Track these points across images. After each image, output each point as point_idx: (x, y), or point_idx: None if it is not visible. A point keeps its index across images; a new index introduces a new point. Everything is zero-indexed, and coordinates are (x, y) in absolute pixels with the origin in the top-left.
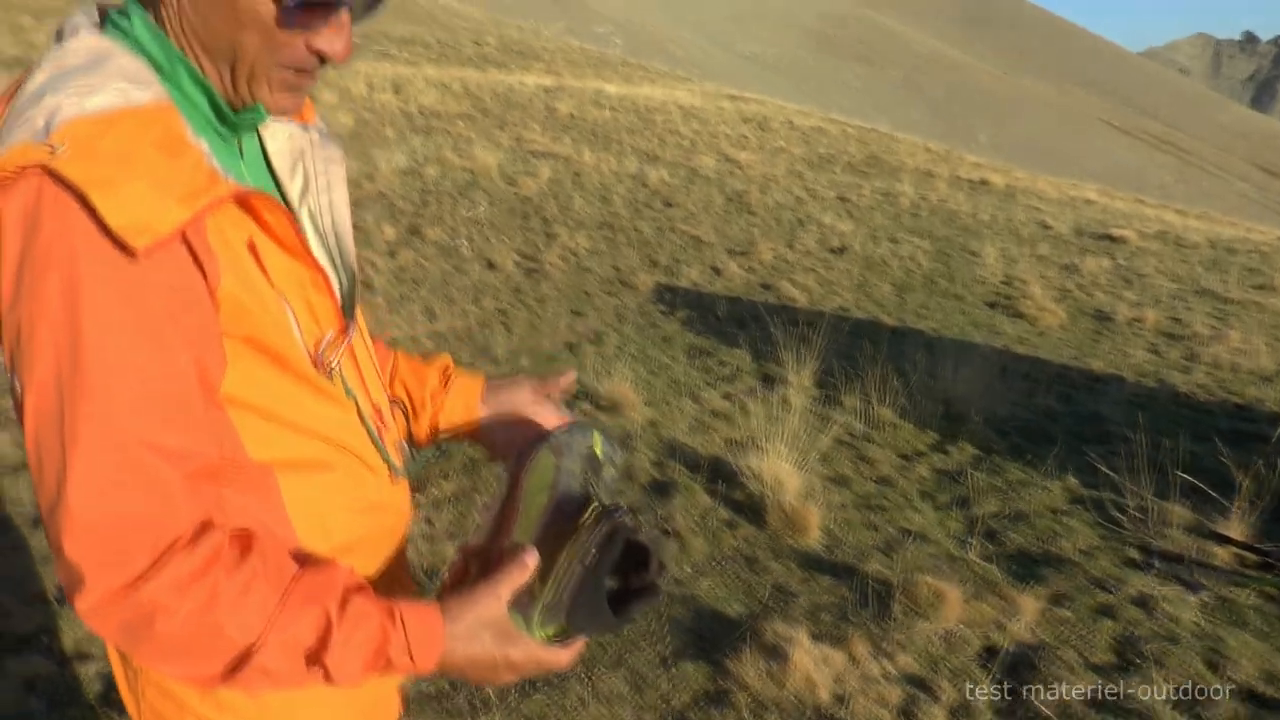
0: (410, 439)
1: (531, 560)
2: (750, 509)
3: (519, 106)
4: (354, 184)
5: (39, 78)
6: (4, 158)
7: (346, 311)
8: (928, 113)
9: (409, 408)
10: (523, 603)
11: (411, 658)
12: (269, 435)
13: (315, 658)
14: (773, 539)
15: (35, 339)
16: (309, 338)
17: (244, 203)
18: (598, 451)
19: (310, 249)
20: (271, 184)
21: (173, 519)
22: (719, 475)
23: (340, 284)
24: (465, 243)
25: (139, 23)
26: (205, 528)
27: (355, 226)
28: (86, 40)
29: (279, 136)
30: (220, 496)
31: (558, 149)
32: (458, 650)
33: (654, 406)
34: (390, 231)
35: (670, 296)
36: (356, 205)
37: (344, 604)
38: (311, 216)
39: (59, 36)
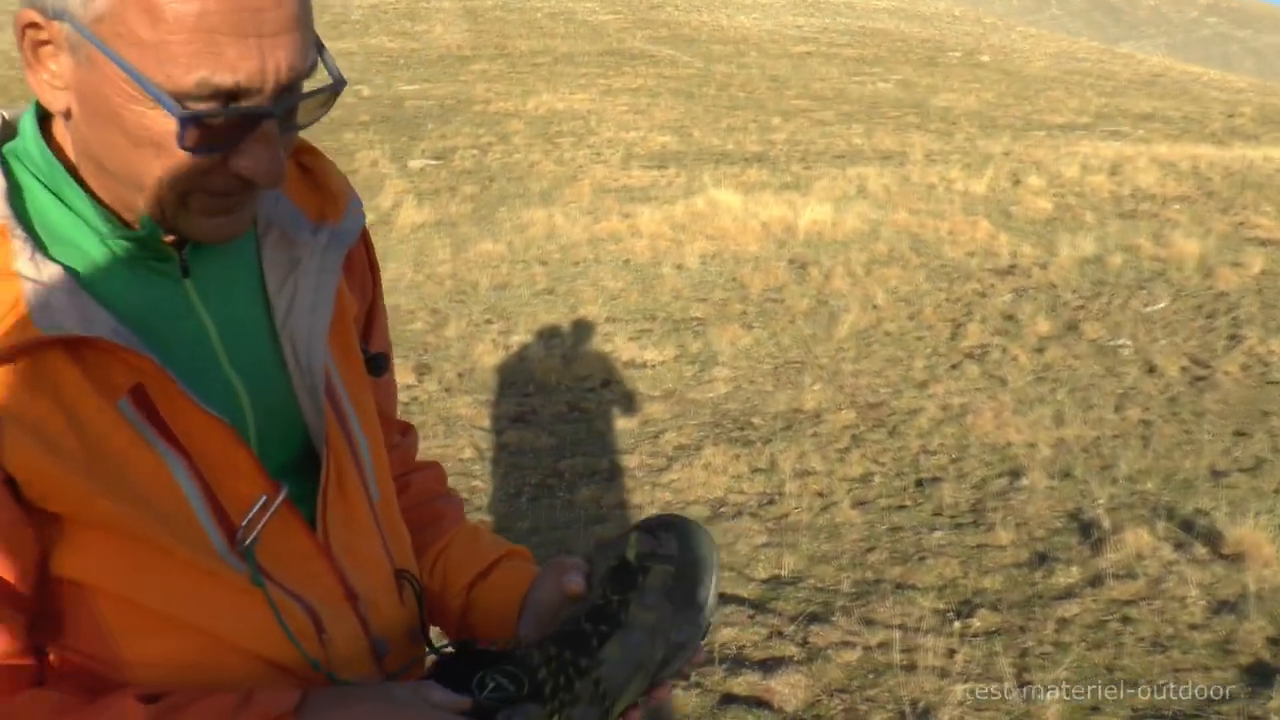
0: (424, 628)
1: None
2: None
3: (1255, 186)
4: (1023, 273)
5: None
6: None
7: (281, 471)
8: None
9: (420, 589)
10: None
11: None
12: (135, 625)
13: None
14: None
15: None
16: (232, 505)
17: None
18: None
19: (193, 399)
20: (259, 306)
21: None
22: None
23: (295, 434)
24: (1128, 342)
25: (29, 134)
26: None
27: (1009, 317)
28: None
29: (275, 244)
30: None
31: None
32: None
33: None
34: (1045, 325)
35: None
36: (1019, 295)
37: None
38: (293, 344)
39: None
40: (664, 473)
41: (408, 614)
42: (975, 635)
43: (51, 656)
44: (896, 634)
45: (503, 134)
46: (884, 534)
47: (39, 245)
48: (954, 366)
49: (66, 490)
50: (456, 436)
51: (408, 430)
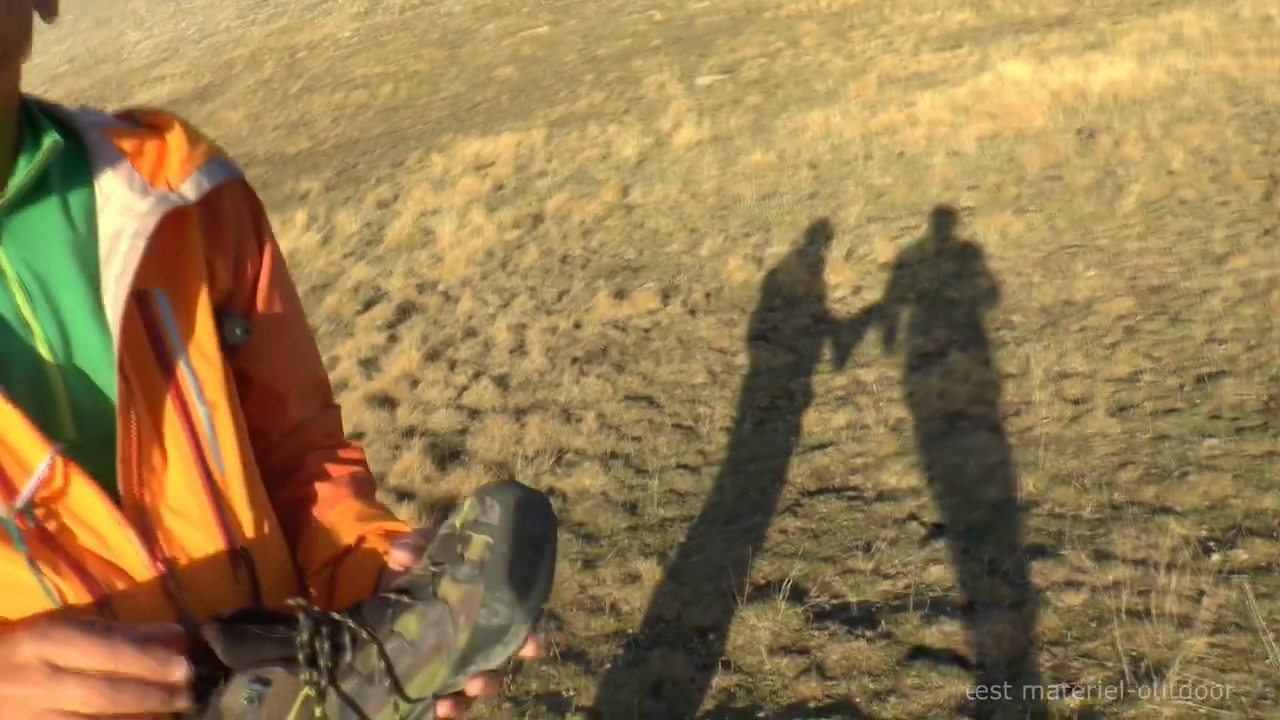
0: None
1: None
2: None
3: None
4: None
5: None
6: None
7: (60, 431)
8: None
9: (253, 566)
10: None
11: None
12: None
13: None
14: None
15: None
16: (16, 472)
17: None
18: None
19: None
20: (84, 274)
21: None
22: None
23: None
24: None
25: None
26: None
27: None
28: None
29: (113, 213)
30: None
31: None
32: None
33: None
34: None
35: None
36: None
37: None
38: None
39: None
40: (898, 385)
41: (243, 593)
42: (1236, 572)
43: None
44: (1134, 571)
45: (793, 38)
46: (1144, 445)
47: None
48: (1266, 232)
49: None
50: (692, 360)
51: (327, 408)
